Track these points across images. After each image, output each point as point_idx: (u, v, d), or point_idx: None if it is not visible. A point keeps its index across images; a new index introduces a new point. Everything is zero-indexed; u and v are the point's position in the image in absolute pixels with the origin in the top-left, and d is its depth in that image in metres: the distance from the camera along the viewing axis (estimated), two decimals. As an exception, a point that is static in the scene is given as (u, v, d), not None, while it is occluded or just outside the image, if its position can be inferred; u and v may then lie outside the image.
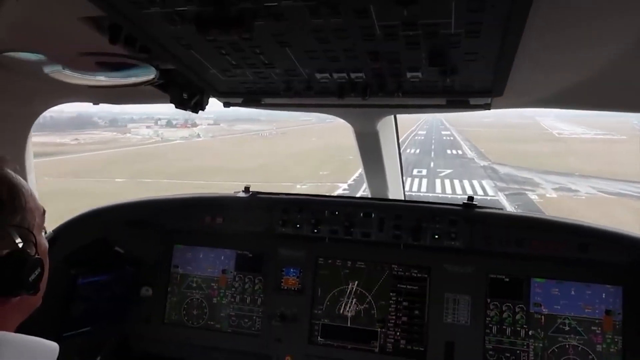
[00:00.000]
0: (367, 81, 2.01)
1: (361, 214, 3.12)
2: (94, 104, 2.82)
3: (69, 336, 3.04)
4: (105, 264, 3.21)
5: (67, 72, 2.11)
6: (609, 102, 2.26)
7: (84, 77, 2.15)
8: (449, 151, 54.00)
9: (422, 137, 66.54)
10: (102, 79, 2.16)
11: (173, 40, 1.69)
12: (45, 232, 1.65)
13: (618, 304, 2.86)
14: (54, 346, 1.50)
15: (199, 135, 75.13)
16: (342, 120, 3.09)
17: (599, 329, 2.86)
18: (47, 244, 1.61)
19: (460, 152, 54.22)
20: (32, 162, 3.02)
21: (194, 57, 1.87)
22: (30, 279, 1.43)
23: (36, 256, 1.46)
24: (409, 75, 1.90)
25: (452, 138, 68.61)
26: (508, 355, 2.95)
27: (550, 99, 2.29)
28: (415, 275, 3.15)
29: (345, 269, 3.25)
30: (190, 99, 2.32)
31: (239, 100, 2.47)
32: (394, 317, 3.14)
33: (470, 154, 52.67)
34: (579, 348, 2.87)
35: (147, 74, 2.11)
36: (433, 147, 57.50)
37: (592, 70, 1.84)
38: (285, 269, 3.34)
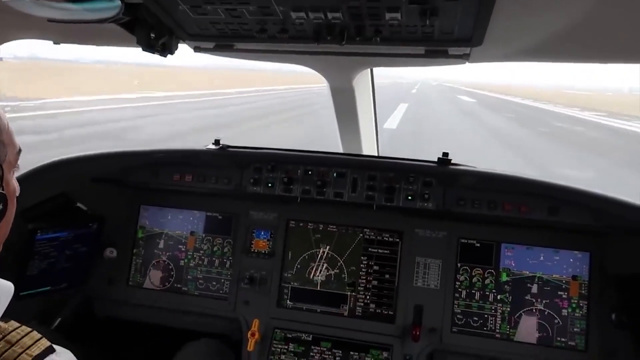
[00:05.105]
0: (345, 23, 1.93)
1: (334, 174, 3.07)
2: (54, 43, 2.65)
3: (26, 295, 2.89)
4: (67, 220, 3.07)
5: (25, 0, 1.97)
6: (596, 53, 2.19)
7: (42, 8, 2.01)
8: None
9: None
10: (62, 11, 2.02)
11: None
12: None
13: (585, 270, 2.90)
14: (8, 285, 1.39)
15: None
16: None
17: (566, 294, 2.91)
18: (16, 187, 1.45)
19: None
20: None
21: None
22: None
23: (1, 190, 1.32)
24: (388, 16, 1.83)
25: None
26: (476, 319, 2.97)
27: (532, 51, 2.23)
28: (386, 239, 3.12)
29: (317, 233, 3.20)
30: (158, 39, 2.19)
31: (211, 44, 2.35)
32: (364, 281, 3.11)
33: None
34: (545, 312, 2.90)
35: (112, 9, 1.97)
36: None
37: (577, 18, 1.79)
38: (256, 231, 3.27)
